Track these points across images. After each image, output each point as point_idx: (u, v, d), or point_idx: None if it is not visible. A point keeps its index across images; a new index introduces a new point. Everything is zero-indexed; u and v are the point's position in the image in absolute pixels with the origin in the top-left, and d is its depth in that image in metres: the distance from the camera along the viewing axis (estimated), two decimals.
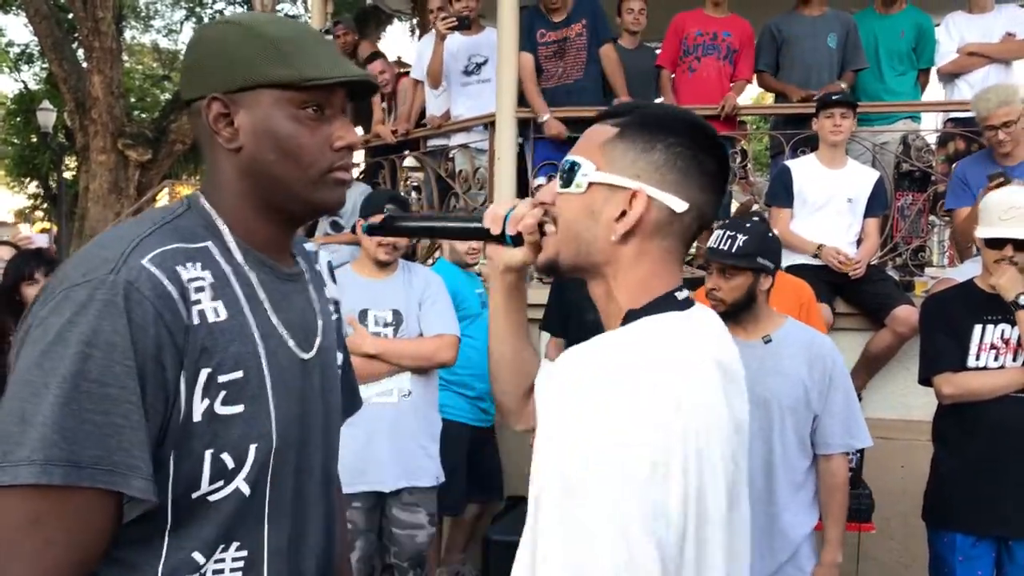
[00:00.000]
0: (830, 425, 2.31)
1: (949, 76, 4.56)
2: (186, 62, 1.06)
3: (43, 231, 19.01)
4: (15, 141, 20.40)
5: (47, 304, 0.91)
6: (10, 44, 20.24)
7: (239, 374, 0.98)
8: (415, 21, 7.55)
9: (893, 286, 3.75)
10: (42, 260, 3.16)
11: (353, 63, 1.09)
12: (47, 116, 16.28)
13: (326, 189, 1.05)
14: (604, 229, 0.99)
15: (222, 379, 0.96)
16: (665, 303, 0.99)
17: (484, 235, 1.17)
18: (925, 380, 2.63)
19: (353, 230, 3.70)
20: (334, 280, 1.34)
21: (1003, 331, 2.51)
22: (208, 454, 0.95)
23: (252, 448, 0.99)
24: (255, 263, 1.06)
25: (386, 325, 2.79)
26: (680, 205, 0.98)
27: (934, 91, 5.02)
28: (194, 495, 0.96)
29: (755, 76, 4.73)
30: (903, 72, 4.60)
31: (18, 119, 19.80)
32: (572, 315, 3.13)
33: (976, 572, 2.52)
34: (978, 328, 2.53)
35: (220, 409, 0.96)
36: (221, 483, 0.97)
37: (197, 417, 0.94)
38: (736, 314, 2.29)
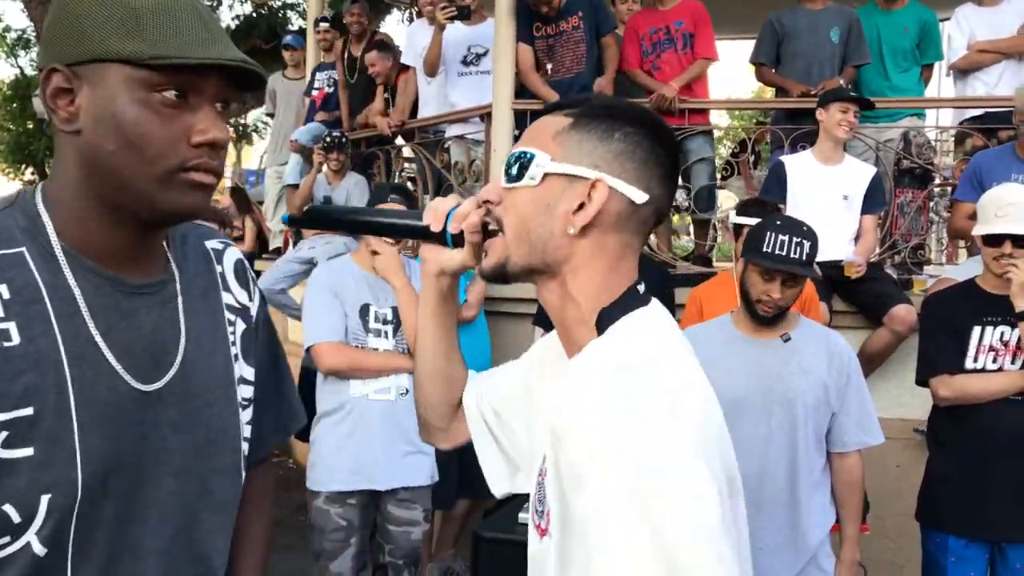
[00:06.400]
0: (846, 423, 2.28)
1: (962, 73, 4.50)
2: (44, 26, 0.89)
3: None
4: (11, 128, 20.30)
5: None
6: (7, 30, 20.14)
7: (28, 411, 0.83)
8: (415, 11, 7.49)
9: (891, 284, 3.72)
10: None
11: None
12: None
13: (175, 191, 0.88)
14: (560, 223, 0.93)
15: (3, 417, 0.82)
16: (632, 299, 0.95)
17: (421, 233, 1.05)
18: (923, 382, 2.60)
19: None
20: (243, 283, 1.11)
21: (1003, 333, 2.47)
22: None
23: (44, 499, 0.83)
24: (85, 273, 0.90)
25: (386, 322, 2.73)
26: (640, 196, 0.93)
27: (934, 87, 4.96)
28: None
29: (754, 69, 4.66)
30: (906, 68, 4.54)
31: (14, 105, 19.69)
32: None
33: (968, 573, 2.50)
34: (977, 329, 2.49)
35: (1, 452, 0.82)
36: (8, 539, 0.83)
37: None
38: (775, 317, 2.25)
